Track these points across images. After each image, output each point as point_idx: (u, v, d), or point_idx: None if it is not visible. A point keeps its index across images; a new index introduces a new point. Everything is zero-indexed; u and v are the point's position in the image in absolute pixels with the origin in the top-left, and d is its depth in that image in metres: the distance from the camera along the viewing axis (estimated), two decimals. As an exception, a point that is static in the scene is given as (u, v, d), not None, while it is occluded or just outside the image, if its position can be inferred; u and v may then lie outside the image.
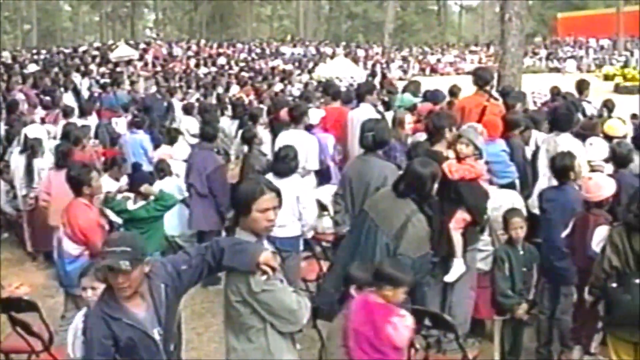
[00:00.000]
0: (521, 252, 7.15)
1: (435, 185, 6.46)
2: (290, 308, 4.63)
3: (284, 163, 8.26)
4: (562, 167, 7.42)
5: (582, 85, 14.03)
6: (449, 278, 7.15)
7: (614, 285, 5.83)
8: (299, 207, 8.07)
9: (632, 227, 5.82)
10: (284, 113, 11.13)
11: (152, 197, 8.64)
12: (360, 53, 53.33)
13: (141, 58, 41.19)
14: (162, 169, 10.88)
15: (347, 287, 5.59)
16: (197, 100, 21.72)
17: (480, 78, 9.63)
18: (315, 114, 11.10)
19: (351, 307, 5.41)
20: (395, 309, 5.29)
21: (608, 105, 13.47)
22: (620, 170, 7.85)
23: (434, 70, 51.17)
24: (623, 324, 5.87)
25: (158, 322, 4.38)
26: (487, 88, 9.67)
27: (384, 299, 5.29)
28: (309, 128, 10.67)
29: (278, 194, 4.79)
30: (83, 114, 16.22)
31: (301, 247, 8.59)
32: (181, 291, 4.60)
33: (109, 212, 8.65)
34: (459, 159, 7.08)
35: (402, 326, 5.21)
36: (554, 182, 8.08)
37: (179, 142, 13.04)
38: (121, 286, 4.24)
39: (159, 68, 38.87)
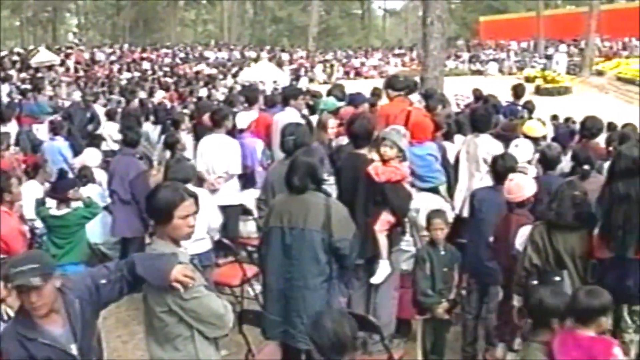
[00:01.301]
0: (442, 253, 7.21)
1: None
2: (218, 313, 4.60)
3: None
4: (505, 169, 7.43)
5: (518, 90, 14.25)
6: (375, 280, 7.19)
7: (535, 282, 5.94)
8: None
9: (553, 225, 5.95)
10: (206, 118, 11.06)
11: (77, 204, 8.52)
12: (285, 57, 53.34)
13: (63, 63, 40.51)
14: (84, 176, 10.71)
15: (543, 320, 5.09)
16: (118, 104, 21.52)
17: (397, 84, 9.69)
18: (244, 118, 11.07)
19: (557, 346, 4.85)
20: (612, 340, 4.97)
21: (528, 107, 13.67)
22: (548, 172, 7.98)
23: (358, 74, 51.36)
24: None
25: (74, 337, 4.26)
26: (404, 93, 9.74)
27: (597, 330, 4.87)
28: (238, 132, 10.68)
29: (196, 199, 4.75)
30: (3, 120, 15.86)
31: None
32: (100, 305, 4.51)
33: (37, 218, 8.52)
34: (384, 161, 7.12)
35: (621, 355, 4.91)
36: (476, 183, 8.20)
37: (90, 149, 12.81)
38: (35, 305, 4.10)
39: (81, 73, 38.34)
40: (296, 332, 6.08)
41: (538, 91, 37.29)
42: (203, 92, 30.00)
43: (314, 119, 10.97)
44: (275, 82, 33.17)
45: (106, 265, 4.61)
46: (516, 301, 6.34)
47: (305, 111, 12.46)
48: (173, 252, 4.58)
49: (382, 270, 7.13)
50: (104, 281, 4.43)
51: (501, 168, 7.42)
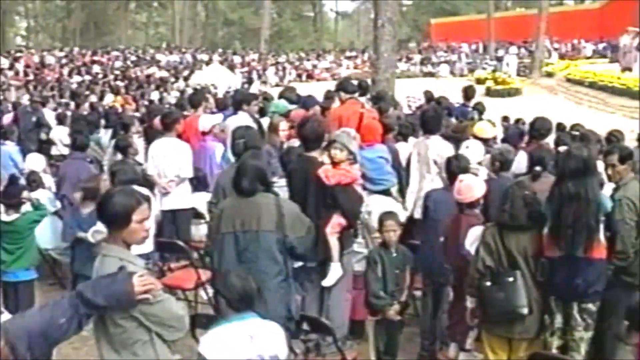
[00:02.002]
0: (394, 254, 7.22)
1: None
2: (178, 315, 4.56)
3: None
4: (459, 170, 7.49)
5: (469, 91, 14.33)
6: (327, 282, 7.20)
7: (488, 284, 6.02)
8: None
9: (504, 226, 6.02)
10: (157, 121, 10.99)
11: (26, 207, 8.41)
12: (237, 60, 53.16)
13: (12, 67, 39.95)
14: (34, 180, 10.58)
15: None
16: (67, 106, 21.32)
17: (349, 87, 9.71)
18: (206, 121, 11.02)
19: None
20: None
21: (479, 108, 13.78)
22: (501, 174, 8.06)
23: (310, 76, 51.36)
24: (498, 321, 6.07)
25: None
26: (357, 96, 9.78)
27: None
28: (201, 135, 10.64)
29: (149, 202, 4.72)
30: (-50, 126, 15.66)
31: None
32: (57, 343, 4.39)
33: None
34: (334, 164, 7.13)
35: None
36: (427, 184, 8.24)
37: (33, 154, 12.64)
38: None
39: (31, 77, 37.86)
40: None
41: (489, 93, 37.56)
42: (155, 96, 29.82)
43: (265, 121, 10.94)
44: (227, 84, 33.10)
45: (58, 302, 4.38)
46: (469, 302, 6.40)
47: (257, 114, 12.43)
48: (121, 263, 4.46)
49: (334, 272, 7.15)
50: (62, 320, 4.26)
51: (456, 169, 7.50)
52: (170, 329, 4.56)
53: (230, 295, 4.95)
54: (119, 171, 7.91)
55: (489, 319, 6.16)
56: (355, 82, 10.13)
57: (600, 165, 7.32)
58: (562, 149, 8.54)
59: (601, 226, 5.96)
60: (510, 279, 5.94)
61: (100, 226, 7.72)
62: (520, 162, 8.62)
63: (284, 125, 9.81)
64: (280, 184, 7.52)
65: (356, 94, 9.56)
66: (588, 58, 48.25)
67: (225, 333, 4.80)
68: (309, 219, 6.45)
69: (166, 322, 4.52)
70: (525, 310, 5.93)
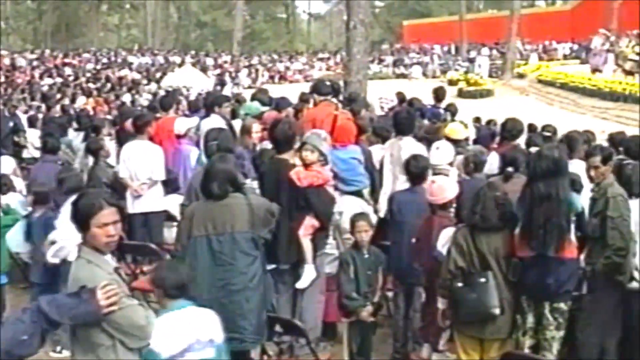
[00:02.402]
0: (366, 256, 7.20)
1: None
2: (139, 324, 4.53)
3: None
4: (418, 170, 7.56)
5: (439, 93, 14.37)
6: (301, 284, 7.20)
7: (460, 284, 6.04)
8: None
9: (476, 227, 6.04)
10: (129, 124, 10.94)
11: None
12: (209, 62, 53.07)
13: (-18, 69, 39.73)
14: (5, 184, 10.50)
15: None
16: (38, 109, 21.18)
17: (323, 89, 9.71)
18: (182, 124, 10.98)
19: None
20: None
21: (451, 109, 13.78)
22: (475, 175, 8.10)
23: (283, 78, 51.38)
24: (470, 322, 6.09)
25: None
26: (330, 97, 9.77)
27: None
28: (176, 138, 10.60)
29: (119, 208, 4.68)
30: None
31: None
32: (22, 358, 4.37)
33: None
34: (306, 165, 7.13)
35: None
36: (400, 185, 8.26)
37: (4, 156, 12.52)
38: None
39: (2, 79, 37.57)
40: (244, 335, 6.07)
41: (461, 94, 37.74)
42: (127, 98, 29.71)
43: (237, 123, 10.92)
44: (199, 87, 33.04)
45: (19, 319, 4.30)
46: (441, 303, 6.42)
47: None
48: (90, 266, 4.48)
49: (308, 274, 7.15)
50: (24, 337, 4.23)
51: (415, 169, 7.55)
52: (132, 337, 4.53)
53: (167, 285, 5.03)
54: (65, 179, 7.90)
55: (461, 319, 6.18)
56: (328, 84, 10.11)
57: (580, 166, 7.43)
58: (533, 149, 8.58)
59: (572, 226, 6.01)
60: (482, 280, 5.96)
61: (55, 235, 7.74)
62: (492, 163, 8.66)
63: (256, 127, 9.80)
64: (253, 186, 7.51)
65: (330, 96, 9.55)
66: (565, 58, 48.58)
67: (166, 322, 4.80)
68: (275, 205, 6.49)
69: (126, 329, 4.49)
70: (497, 311, 5.95)
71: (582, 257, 6.52)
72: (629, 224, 6.41)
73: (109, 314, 4.34)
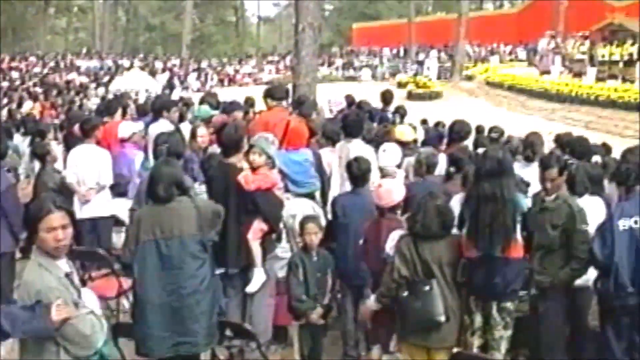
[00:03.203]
0: (315, 258, 7.21)
1: None
2: (84, 333, 4.52)
3: None
4: (360, 172, 7.61)
5: (387, 96, 14.44)
6: (250, 288, 7.21)
7: (405, 294, 6.06)
8: None
9: (419, 235, 6.08)
10: (77, 128, 10.83)
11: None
12: (158, 65, 52.79)
13: None
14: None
15: None
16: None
17: (276, 94, 9.74)
18: (126, 129, 10.89)
19: None
20: None
21: (400, 112, 13.87)
22: (427, 177, 8.16)
23: (232, 81, 51.24)
24: (416, 330, 6.11)
25: None
26: (284, 102, 9.82)
27: None
28: (120, 142, 10.51)
29: (68, 212, 4.65)
30: None
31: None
32: None
33: None
34: (253, 169, 7.13)
35: None
36: (349, 188, 8.28)
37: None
38: None
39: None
40: (196, 339, 6.05)
41: (410, 96, 37.92)
42: (74, 102, 29.40)
43: (185, 127, 10.88)
44: (147, 90, 32.86)
45: None
46: (375, 306, 6.47)
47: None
48: (40, 270, 4.49)
49: (257, 278, 7.16)
50: None
51: (357, 171, 7.61)
52: (75, 346, 4.54)
53: None
54: (41, 181, 7.82)
55: (407, 328, 6.18)
56: (282, 89, 10.14)
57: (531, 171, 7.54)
58: (480, 150, 8.68)
59: (518, 226, 6.05)
60: (427, 288, 5.98)
61: None
62: (440, 165, 8.73)
63: (201, 131, 9.80)
64: (201, 190, 7.50)
65: (283, 101, 9.59)
66: (521, 61, 49.12)
67: None
68: (220, 206, 6.47)
69: (70, 337, 4.49)
70: (442, 318, 5.97)
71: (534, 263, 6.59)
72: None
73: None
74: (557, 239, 6.62)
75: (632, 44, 32.16)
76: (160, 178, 6.11)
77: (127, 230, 6.45)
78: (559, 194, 6.78)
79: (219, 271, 6.66)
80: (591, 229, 6.69)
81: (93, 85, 39.74)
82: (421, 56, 51.92)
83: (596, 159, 9.29)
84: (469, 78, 43.96)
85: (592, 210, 7.00)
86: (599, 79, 31.76)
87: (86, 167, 9.81)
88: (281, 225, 7.71)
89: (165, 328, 6.01)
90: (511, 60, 50.56)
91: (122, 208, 9.49)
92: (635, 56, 31.17)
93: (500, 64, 47.81)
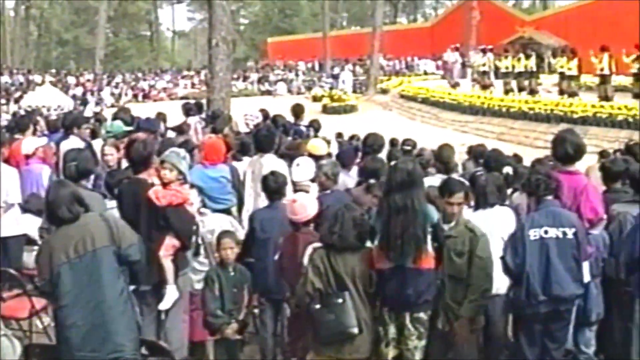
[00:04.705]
0: (232, 273, 7.21)
1: None
2: None
3: None
4: (277, 185, 7.64)
5: (297, 110, 14.46)
6: (163, 306, 7.13)
7: (318, 306, 6.07)
8: None
9: (332, 247, 6.11)
10: (-15, 146, 10.61)
11: None
12: (71, 80, 52.00)
13: None
14: None
15: None
16: None
17: (192, 109, 9.74)
18: (29, 144, 10.69)
19: None
20: None
21: (314, 125, 13.91)
22: (334, 188, 8.18)
23: (146, 97, 50.72)
24: (329, 343, 6.13)
25: None
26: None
27: None
28: (24, 158, 10.30)
29: None
30: None
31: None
32: None
33: None
34: (164, 184, 7.08)
35: None
36: (261, 202, 8.29)
37: None
38: None
39: None
40: (124, 353, 5.88)
41: (325, 110, 38.15)
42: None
43: (97, 143, 10.75)
44: (59, 106, 32.38)
45: None
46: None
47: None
48: None
49: (170, 295, 7.09)
50: None
51: (273, 184, 7.64)
52: None
53: None
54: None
55: (320, 340, 6.18)
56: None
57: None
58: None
59: (428, 237, 6.10)
60: (339, 300, 6.00)
61: None
62: (355, 178, 8.80)
63: (108, 149, 9.71)
64: (111, 205, 7.42)
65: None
66: (426, 74, 49.89)
67: None
68: (133, 230, 6.32)
69: None
70: (355, 330, 6.00)
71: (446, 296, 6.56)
72: (492, 264, 6.56)
73: None
74: (464, 266, 6.55)
75: (538, 57, 33.03)
76: (60, 201, 5.92)
77: (38, 260, 6.21)
78: (461, 220, 6.72)
79: (131, 288, 6.57)
80: (502, 239, 6.84)
81: (3, 101, 38.86)
82: (336, 70, 52.19)
83: (507, 169, 9.44)
84: (384, 91, 44.36)
85: (504, 220, 7.14)
86: (506, 91, 32.43)
87: (-6, 185, 9.60)
88: (200, 240, 7.67)
89: (92, 348, 5.86)
90: (425, 73, 51.35)
91: (32, 226, 9.31)
92: (534, 68, 31.93)
93: (414, 77, 48.45)
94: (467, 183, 7.11)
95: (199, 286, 7.65)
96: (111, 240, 5.90)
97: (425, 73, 50.90)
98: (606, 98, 27.03)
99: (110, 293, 5.87)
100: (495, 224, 6.98)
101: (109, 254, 5.89)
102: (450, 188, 6.76)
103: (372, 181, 7.74)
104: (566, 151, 7.36)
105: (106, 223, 5.97)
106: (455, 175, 8.78)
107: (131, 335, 5.98)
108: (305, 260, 6.56)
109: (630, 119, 24.50)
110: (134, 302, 6.21)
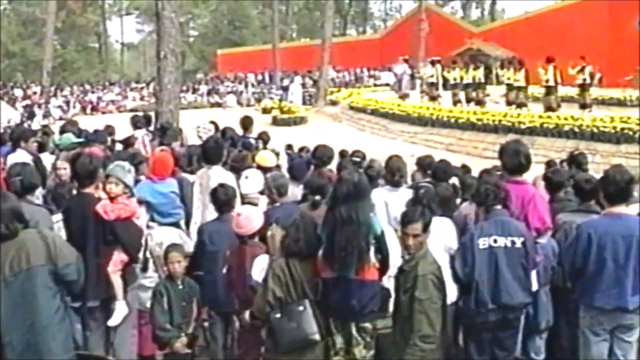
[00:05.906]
0: (180, 287, 7.21)
1: None
2: None
3: None
4: (227, 197, 7.65)
5: (246, 122, 14.45)
6: (112, 322, 7.12)
7: (278, 315, 6.07)
8: None
9: (293, 256, 6.12)
10: None
11: None
12: (18, 93, 51.35)
13: None
14: None
15: None
16: None
17: (140, 122, 9.69)
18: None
19: None
20: None
21: (263, 137, 13.93)
22: (281, 200, 8.19)
23: (95, 109, 50.23)
24: (290, 351, 6.13)
25: None
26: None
27: None
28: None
29: None
30: None
31: None
32: None
33: None
34: (111, 198, 7.05)
35: None
36: (209, 215, 8.27)
37: None
38: None
39: None
40: None
41: (275, 122, 38.14)
42: None
43: (45, 156, 10.65)
44: (8, 120, 31.96)
45: None
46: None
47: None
48: None
49: (119, 311, 7.08)
50: None
51: (223, 196, 7.65)
52: None
53: None
54: None
55: (280, 349, 6.17)
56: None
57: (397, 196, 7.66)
58: (343, 174, 8.77)
59: (372, 248, 6.09)
60: (300, 308, 6.03)
61: None
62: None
63: (61, 163, 9.65)
64: (57, 219, 7.35)
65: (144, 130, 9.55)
66: (376, 85, 50.13)
67: None
68: (74, 248, 6.26)
69: None
70: (317, 337, 6.02)
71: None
72: (439, 307, 6.14)
73: None
74: (406, 305, 6.21)
75: (486, 68, 33.44)
76: (13, 214, 5.89)
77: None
78: (417, 255, 6.28)
79: (77, 304, 6.53)
80: (441, 249, 6.92)
81: (-51, 115, 38.31)
82: (286, 82, 52.01)
83: (453, 180, 9.52)
84: (333, 103, 44.43)
85: (443, 231, 7.18)
86: (454, 102, 32.76)
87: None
88: (148, 254, 7.65)
89: None
90: (375, 84, 51.62)
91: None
92: (482, 79, 32.34)
93: (363, 89, 48.67)
94: (428, 214, 6.46)
95: (148, 302, 7.62)
96: (48, 258, 5.84)
97: (387, 85, 50.99)
98: (551, 109, 27.44)
99: (45, 312, 5.83)
100: (435, 235, 6.83)
101: (44, 273, 5.83)
102: (407, 217, 6.38)
103: (317, 198, 7.74)
104: (519, 162, 7.40)
105: (44, 241, 5.90)
106: (404, 187, 8.80)
107: (66, 355, 5.94)
108: (254, 272, 6.59)
109: (577, 129, 24.87)
110: (72, 320, 6.16)
